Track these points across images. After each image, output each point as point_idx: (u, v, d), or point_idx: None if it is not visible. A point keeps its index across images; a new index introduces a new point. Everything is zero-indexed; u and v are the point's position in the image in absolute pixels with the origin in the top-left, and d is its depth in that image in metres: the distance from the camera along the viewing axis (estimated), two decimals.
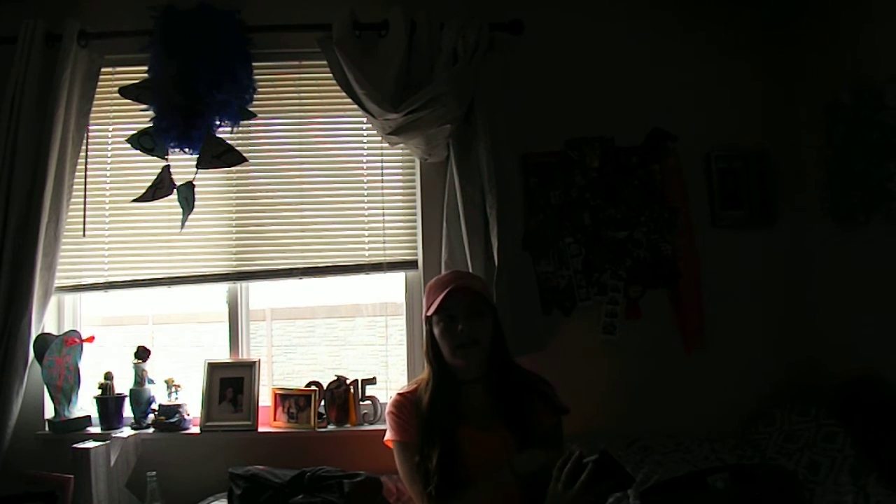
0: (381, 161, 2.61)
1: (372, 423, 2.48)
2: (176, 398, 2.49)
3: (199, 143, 2.38)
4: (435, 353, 1.80)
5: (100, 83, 2.46)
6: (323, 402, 2.51)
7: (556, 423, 1.78)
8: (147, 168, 2.47)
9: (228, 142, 2.44)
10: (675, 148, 2.60)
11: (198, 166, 2.42)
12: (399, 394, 1.86)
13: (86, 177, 2.51)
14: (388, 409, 1.86)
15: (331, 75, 2.40)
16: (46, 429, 2.43)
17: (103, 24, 2.43)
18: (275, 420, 2.49)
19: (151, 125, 2.38)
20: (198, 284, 2.58)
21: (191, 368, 2.63)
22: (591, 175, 2.58)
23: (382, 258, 2.58)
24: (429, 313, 1.79)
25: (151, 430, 2.43)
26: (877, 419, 2.22)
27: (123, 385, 2.49)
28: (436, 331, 1.77)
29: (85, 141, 2.48)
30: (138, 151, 2.43)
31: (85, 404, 2.50)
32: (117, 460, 2.27)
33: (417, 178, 2.59)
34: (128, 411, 2.49)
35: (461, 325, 1.72)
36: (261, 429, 2.46)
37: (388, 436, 1.84)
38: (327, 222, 2.61)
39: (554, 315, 2.55)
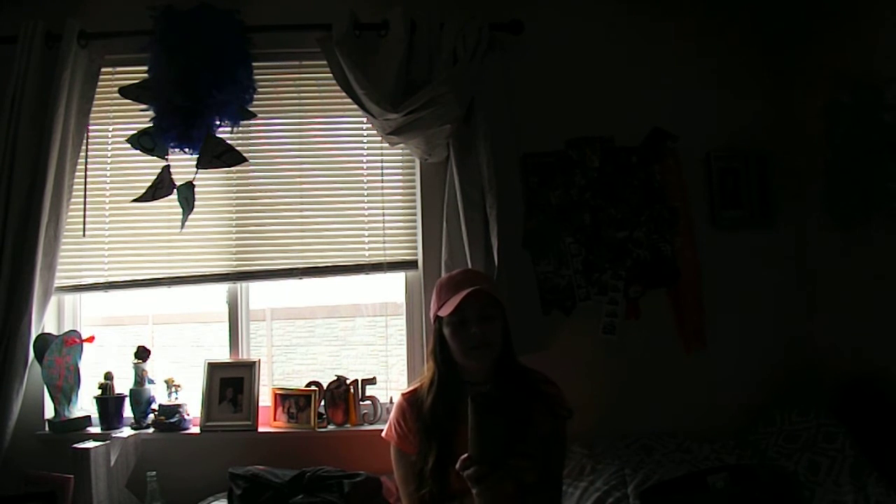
0: (381, 161, 2.61)
1: (372, 423, 2.48)
2: (176, 398, 2.49)
3: (199, 143, 2.38)
4: (442, 352, 1.77)
5: (100, 83, 2.46)
6: (323, 402, 2.51)
7: (557, 427, 1.75)
8: (147, 168, 2.47)
9: (228, 142, 2.44)
10: (675, 148, 2.60)
11: (198, 166, 2.42)
12: (403, 395, 1.84)
13: (86, 177, 2.51)
14: (393, 412, 1.84)
15: (331, 75, 2.40)
16: (46, 429, 2.43)
17: (103, 24, 2.43)
18: (275, 420, 2.49)
19: (151, 125, 2.38)
20: (198, 284, 2.58)
21: (191, 368, 2.63)
22: (591, 175, 2.58)
23: (382, 258, 2.58)
24: (441, 314, 1.75)
25: (151, 430, 2.44)
26: (877, 419, 2.23)
27: (123, 385, 2.49)
28: (446, 331, 1.74)
29: (85, 141, 2.48)
30: (138, 151, 2.42)
31: (85, 404, 2.51)
32: (117, 460, 2.27)
33: (417, 178, 2.59)
34: (128, 411, 2.49)
35: (474, 328, 1.70)
36: (261, 429, 2.46)
37: (386, 435, 1.83)
38: (327, 222, 2.61)
39: (554, 315, 2.55)
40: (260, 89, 2.49)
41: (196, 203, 2.46)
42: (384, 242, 2.59)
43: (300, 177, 2.61)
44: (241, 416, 2.46)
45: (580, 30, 2.61)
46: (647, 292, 2.57)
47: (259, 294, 2.74)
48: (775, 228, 2.63)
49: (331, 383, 2.52)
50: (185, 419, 2.46)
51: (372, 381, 2.53)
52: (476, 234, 2.36)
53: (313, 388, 2.49)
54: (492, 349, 1.72)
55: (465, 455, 1.51)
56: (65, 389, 2.42)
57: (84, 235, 2.51)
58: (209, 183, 2.54)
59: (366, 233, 2.60)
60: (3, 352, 2.27)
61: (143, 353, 2.49)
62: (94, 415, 2.47)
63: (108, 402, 2.44)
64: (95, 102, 2.47)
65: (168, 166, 2.43)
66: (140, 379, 2.48)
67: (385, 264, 2.58)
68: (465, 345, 1.71)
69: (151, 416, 2.47)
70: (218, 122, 2.42)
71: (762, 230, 2.62)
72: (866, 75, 2.28)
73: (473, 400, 1.49)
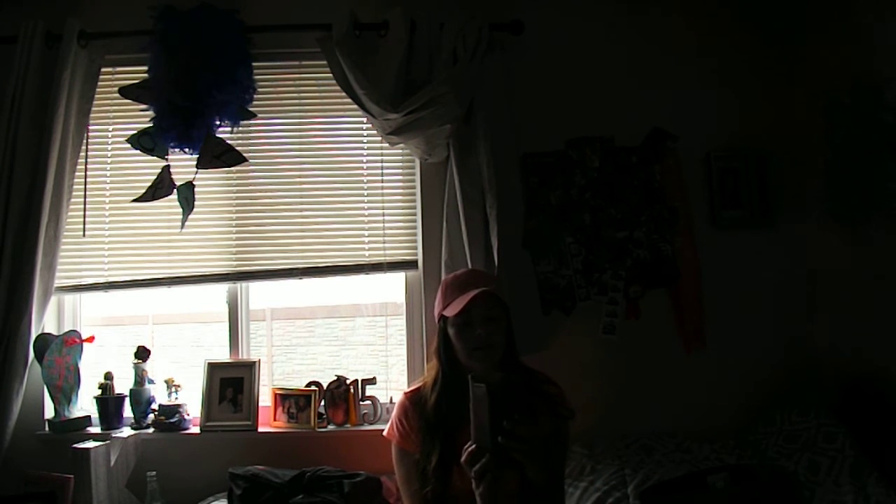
0: (381, 161, 2.61)
1: (372, 423, 2.48)
2: (176, 398, 2.49)
3: (199, 143, 2.38)
4: (446, 351, 1.78)
5: (100, 83, 2.46)
6: (323, 402, 2.51)
7: (559, 427, 1.75)
8: (147, 168, 2.47)
9: (228, 142, 2.44)
10: (675, 148, 2.60)
11: (198, 166, 2.42)
12: (406, 395, 1.85)
13: (86, 177, 2.51)
14: (395, 411, 1.85)
15: (331, 75, 2.40)
16: (46, 429, 2.43)
17: (103, 24, 2.44)
18: (275, 420, 2.49)
19: (151, 125, 2.38)
20: (198, 284, 2.58)
21: (191, 368, 2.63)
22: (591, 175, 2.58)
23: (382, 258, 2.58)
24: (447, 314, 1.76)
25: (151, 430, 2.44)
26: (877, 419, 2.23)
27: (123, 385, 2.49)
28: (451, 331, 1.75)
29: (85, 141, 2.48)
30: (138, 151, 2.43)
31: (85, 404, 2.51)
32: (117, 460, 2.27)
33: (417, 178, 2.58)
34: (128, 411, 2.49)
35: (479, 329, 1.71)
36: (261, 429, 2.46)
37: (388, 434, 1.84)
38: (327, 222, 2.60)
39: (554, 315, 2.55)
40: (260, 89, 2.49)
41: (196, 203, 2.46)
42: (384, 242, 2.59)
43: (300, 177, 2.61)
44: (241, 416, 2.46)
45: (580, 30, 2.61)
46: (647, 292, 2.57)
47: (259, 294, 2.74)
48: (775, 228, 2.63)
49: (331, 383, 2.52)
50: (185, 419, 2.46)
51: (372, 381, 2.53)
52: (476, 234, 2.36)
53: (313, 388, 2.49)
54: (495, 350, 1.72)
55: (468, 444, 1.50)
56: (65, 389, 2.42)
57: (84, 235, 2.51)
58: (209, 183, 2.54)
59: (366, 233, 2.60)
60: (3, 352, 2.27)
61: (143, 353, 2.49)
62: (94, 415, 2.47)
63: (108, 402, 2.44)
64: (95, 102, 2.47)
65: (168, 166, 2.43)
66: (140, 379, 2.48)
67: (385, 264, 2.58)
68: (469, 345, 1.72)
69: (151, 416, 2.47)
70: (218, 122, 2.42)
71: (762, 230, 2.62)
72: (866, 75, 2.28)
73: (471, 381, 1.49)
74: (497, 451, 1.46)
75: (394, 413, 1.85)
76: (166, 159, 2.42)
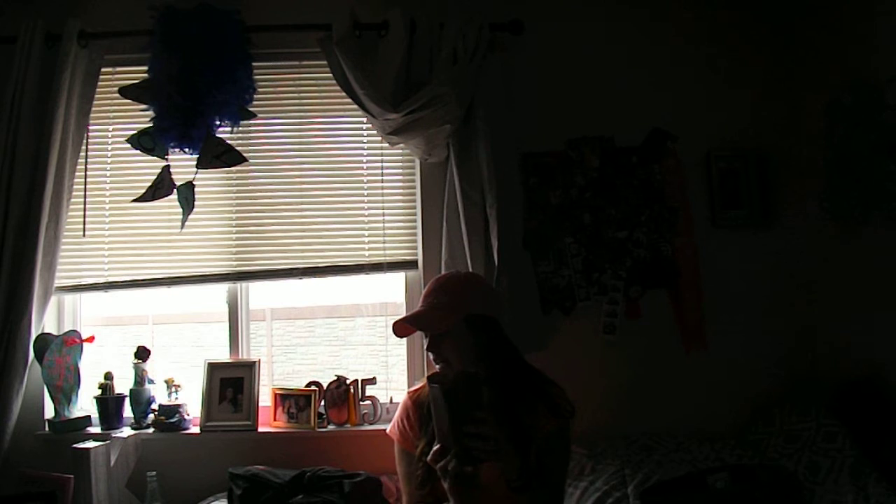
0: (381, 161, 2.61)
1: (372, 423, 2.48)
2: (176, 398, 2.49)
3: (199, 143, 2.38)
4: None
5: (100, 83, 2.46)
6: (323, 402, 2.51)
7: (559, 427, 1.75)
8: (147, 168, 2.47)
9: (228, 142, 2.44)
10: (675, 148, 2.60)
11: (198, 166, 2.42)
12: (409, 394, 1.87)
13: (86, 177, 2.51)
14: (398, 411, 1.86)
15: (331, 75, 2.40)
16: (46, 429, 2.43)
17: (103, 24, 2.44)
18: (275, 420, 2.49)
19: (151, 125, 2.38)
20: (198, 284, 2.58)
21: (191, 368, 2.64)
22: (591, 175, 2.58)
23: (382, 258, 2.58)
24: None
25: (151, 430, 2.44)
26: (877, 419, 2.23)
27: (123, 385, 2.49)
28: None
29: (85, 141, 2.48)
30: (138, 151, 2.42)
31: (85, 404, 2.51)
32: (117, 460, 2.27)
33: (417, 178, 2.59)
34: (128, 411, 2.49)
35: (426, 346, 1.75)
36: (261, 429, 2.46)
37: (390, 432, 1.85)
38: (327, 222, 2.61)
39: (554, 315, 2.55)
40: (260, 89, 2.49)
41: (196, 203, 2.46)
42: (384, 242, 2.59)
43: (300, 177, 2.61)
44: (241, 416, 2.46)
45: (580, 30, 2.61)
46: (647, 292, 2.57)
47: (259, 294, 2.74)
48: (775, 228, 2.63)
49: (331, 383, 2.52)
50: (185, 419, 2.46)
51: (372, 381, 2.53)
52: (476, 234, 2.36)
53: (313, 388, 2.49)
54: (449, 364, 1.72)
55: (435, 443, 1.52)
56: (65, 389, 2.42)
57: (84, 235, 2.51)
58: (209, 183, 2.54)
59: (366, 233, 2.60)
60: (3, 352, 2.27)
61: (143, 353, 2.49)
62: (94, 415, 2.47)
63: (108, 402, 2.44)
64: (95, 102, 2.47)
65: (168, 166, 2.43)
66: (140, 379, 2.48)
67: (385, 264, 2.58)
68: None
69: (151, 416, 2.46)
70: (218, 122, 2.42)
71: (762, 230, 2.62)
72: (866, 75, 2.28)
73: (428, 382, 1.50)
74: (460, 451, 1.45)
75: (397, 412, 1.86)
76: (166, 159, 2.42)
